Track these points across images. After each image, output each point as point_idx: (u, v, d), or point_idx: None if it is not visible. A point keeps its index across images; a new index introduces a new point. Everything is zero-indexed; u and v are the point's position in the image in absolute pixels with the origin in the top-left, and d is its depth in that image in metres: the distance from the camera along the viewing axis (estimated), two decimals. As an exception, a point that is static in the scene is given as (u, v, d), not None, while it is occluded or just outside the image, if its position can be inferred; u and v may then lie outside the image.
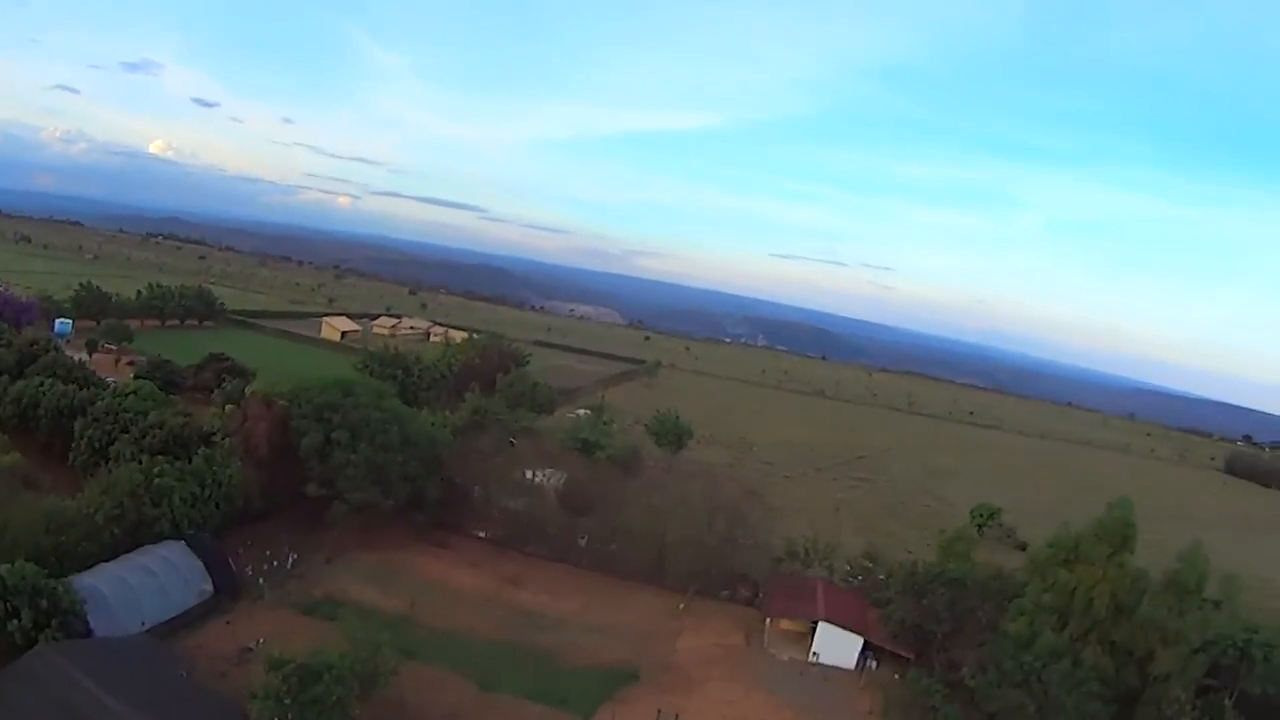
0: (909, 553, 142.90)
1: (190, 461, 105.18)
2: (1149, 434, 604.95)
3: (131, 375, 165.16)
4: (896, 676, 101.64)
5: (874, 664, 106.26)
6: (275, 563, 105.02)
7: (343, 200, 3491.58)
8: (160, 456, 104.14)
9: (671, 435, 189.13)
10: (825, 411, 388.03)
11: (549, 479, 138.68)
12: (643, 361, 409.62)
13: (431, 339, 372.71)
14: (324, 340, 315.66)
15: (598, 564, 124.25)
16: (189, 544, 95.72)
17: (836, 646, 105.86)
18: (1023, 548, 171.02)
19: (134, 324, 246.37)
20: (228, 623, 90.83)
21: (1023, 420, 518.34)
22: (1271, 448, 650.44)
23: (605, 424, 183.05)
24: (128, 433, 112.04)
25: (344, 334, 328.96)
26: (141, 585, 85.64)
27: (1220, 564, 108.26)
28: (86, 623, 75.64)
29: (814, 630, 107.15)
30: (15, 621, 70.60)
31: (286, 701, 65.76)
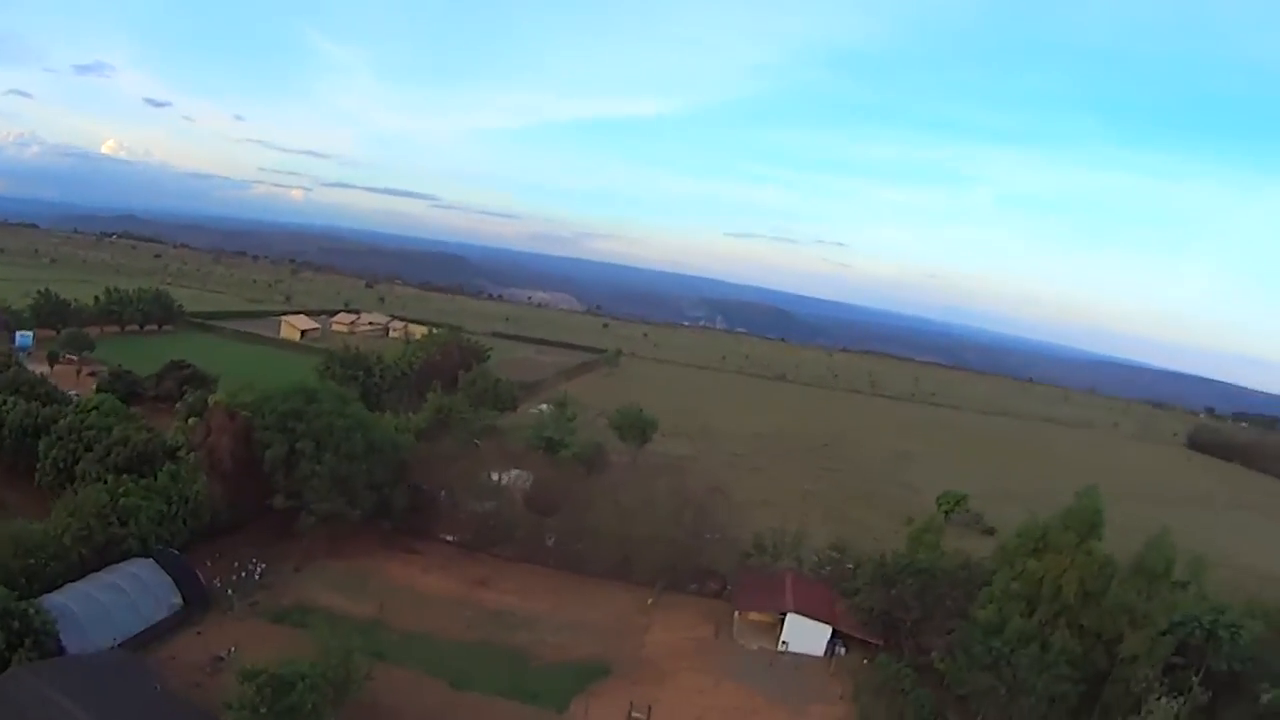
0: (876, 540, 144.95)
1: (156, 478, 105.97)
2: (1110, 409, 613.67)
3: (94, 387, 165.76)
4: (865, 661, 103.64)
5: (842, 650, 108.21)
6: (244, 574, 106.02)
7: (295, 193, 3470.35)
8: (126, 475, 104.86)
9: (636, 429, 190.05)
10: (788, 396, 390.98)
11: (515, 480, 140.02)
12: (603, 351, 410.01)
13: (391, 334, 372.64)
14: (284, 340, 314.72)
15: (566, 563, 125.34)
16: (157, 560, 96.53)
17: (805, 635, 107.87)
18: (990, 532, 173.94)
19: (93, 331, 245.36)
20: (199, 633, 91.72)
21: (985, 399, 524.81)
22: (1234, 419, 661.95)
23: (569, 420, 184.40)
24: (91, 451, 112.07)
25: (303, 333, 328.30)
26: (111, 602, 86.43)
27: (1186, 542, 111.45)
28: (59, 641, 76.27)
29: (783, 620, 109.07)
30: (-12, 645, 70.93)
31: (262, 711, 66.87)
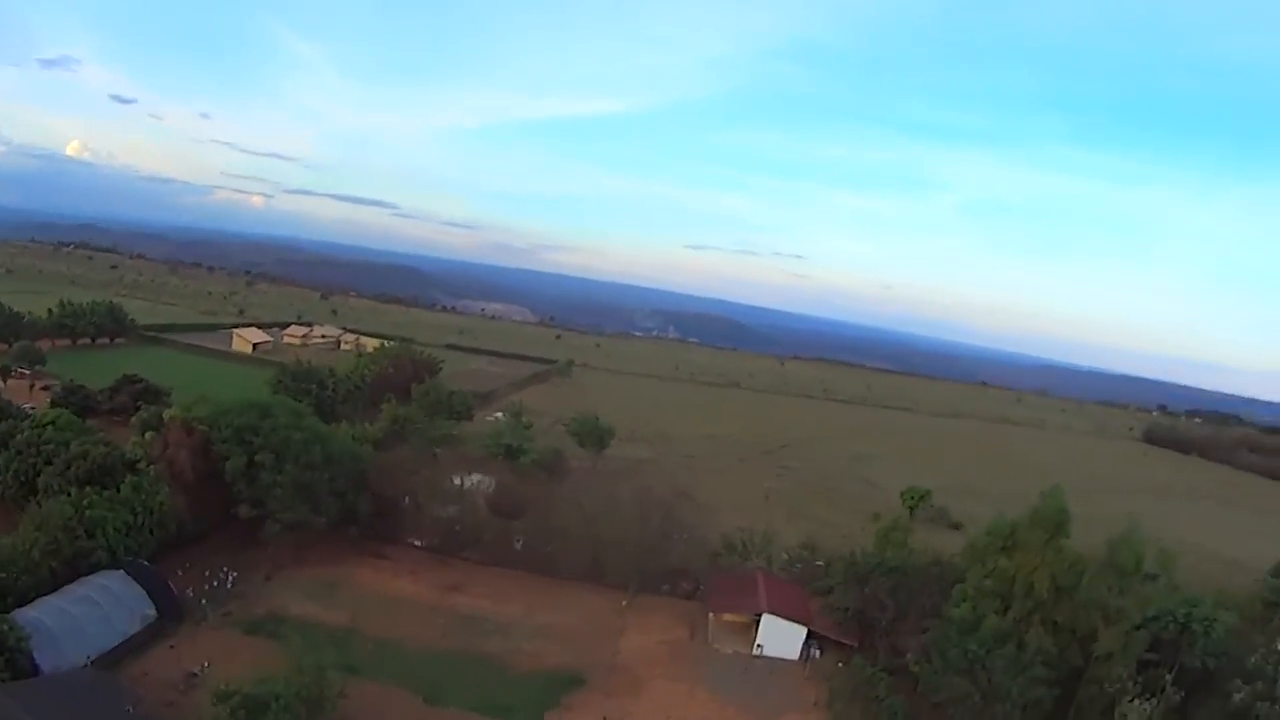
0: (843, 537, 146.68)
1: (119, 491, 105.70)
2: (1064, 409, 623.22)
3: (48, 401, 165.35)
4: (840, 665, 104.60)
5: (817, 653, 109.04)
6: (215, 583, 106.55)
7: (256, 200, 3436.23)
8: (89, 488, 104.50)
9: (594, 436, 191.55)
10: (742, 403, 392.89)
11: (478, 485, 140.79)
12: (554, 361, 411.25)
13: (343, 347, 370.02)
14: (236, 354, 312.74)
15: (536, 566, 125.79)
16: (128, 571, 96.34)
17: (780, 638, 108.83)
18: (957, 527, 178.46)
19: (45, 344, 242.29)
20: (172, 647, 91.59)
21: (937, 401, 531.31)
22: (1187, 415, 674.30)
23: (525, 427, 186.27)
24: (51, 464, 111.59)
25: (255, 346, 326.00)
26: (84, 615, 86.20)
27: (1151, 531, 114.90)
28: (32, 658, 76.16)
29: (758, 622, 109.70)
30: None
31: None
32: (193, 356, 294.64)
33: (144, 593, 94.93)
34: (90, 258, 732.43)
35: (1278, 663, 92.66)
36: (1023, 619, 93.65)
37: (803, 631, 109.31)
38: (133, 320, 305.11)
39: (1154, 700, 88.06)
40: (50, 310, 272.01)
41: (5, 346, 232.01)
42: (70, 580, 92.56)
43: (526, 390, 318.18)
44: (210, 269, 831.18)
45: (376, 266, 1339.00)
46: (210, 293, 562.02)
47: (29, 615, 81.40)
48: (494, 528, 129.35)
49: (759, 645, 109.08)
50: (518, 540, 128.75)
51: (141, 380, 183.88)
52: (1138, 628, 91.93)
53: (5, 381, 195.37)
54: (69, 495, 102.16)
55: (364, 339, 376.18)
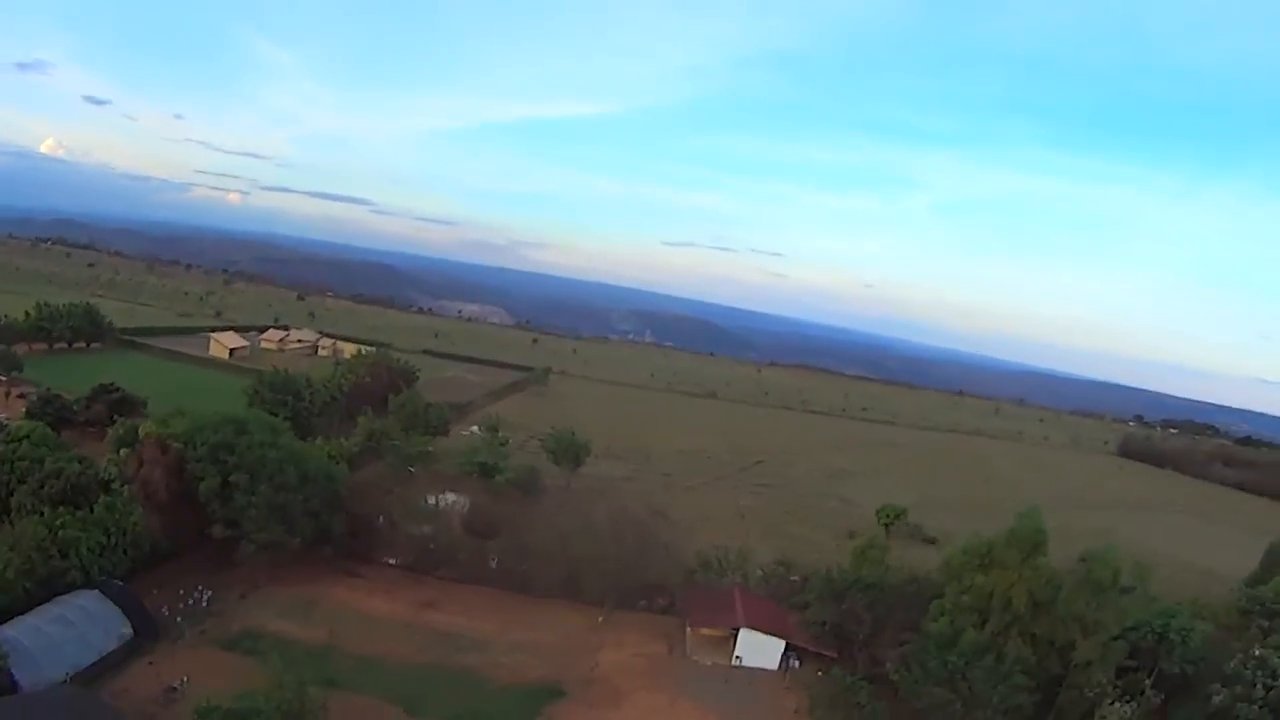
0: (819, 555, 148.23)
1: (92, 510, 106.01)
2: (1041, 419, 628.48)
3: (23, 410, 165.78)
4: (820, 674, 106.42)
5: (797, 663, 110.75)
6: (190, 602, 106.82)
7: (233, 196, 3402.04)
8: (62, 507, 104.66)
9: (569, 453, 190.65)
10: (719, 414, 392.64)
11: (453, 504, 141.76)
12: (532, 369, 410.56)
13: (320, 352, 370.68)
14: (212, 359, 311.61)
15: (511, 583, 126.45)
16: (103, 591, 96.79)
17: (759, 650, 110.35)
18: (932, 541, 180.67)
19: (21, 349, 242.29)
20: (150, 663, 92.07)
21: (916, 413, 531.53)
22: (1163, 426, 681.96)
23: (501, 445, 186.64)
24: (25, 483, 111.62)
25: (232, 351, 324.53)
26: (61, 634, 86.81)
27: (1126, 545, 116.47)
28: (10, 675, 76.91)
29: (735, 635, 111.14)
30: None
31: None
32: (169, 362, 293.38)
33: (119, 612, 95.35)
34: (68, 254, 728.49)
35: (1256, 667, 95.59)
36: (1001, 632, 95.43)
37: (782, 644, 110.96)
38: (110, 323, 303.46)
39: (1133, 703, 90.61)
40: (28, 313, 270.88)
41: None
42: (44, 600, 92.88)
43: (503, 401, 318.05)
44: (188, 266, 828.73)
45: (353, 265, 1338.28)
46: (187, 293, 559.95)
47: (5, 634, 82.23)
48: (469, 546, 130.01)
49: (738, 656, 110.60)
50: (492, 559, 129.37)
51: (118, 390, 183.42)
52: (1116, 638, 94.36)
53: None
54: (42, 515, 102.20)
55: (341, 344, 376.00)
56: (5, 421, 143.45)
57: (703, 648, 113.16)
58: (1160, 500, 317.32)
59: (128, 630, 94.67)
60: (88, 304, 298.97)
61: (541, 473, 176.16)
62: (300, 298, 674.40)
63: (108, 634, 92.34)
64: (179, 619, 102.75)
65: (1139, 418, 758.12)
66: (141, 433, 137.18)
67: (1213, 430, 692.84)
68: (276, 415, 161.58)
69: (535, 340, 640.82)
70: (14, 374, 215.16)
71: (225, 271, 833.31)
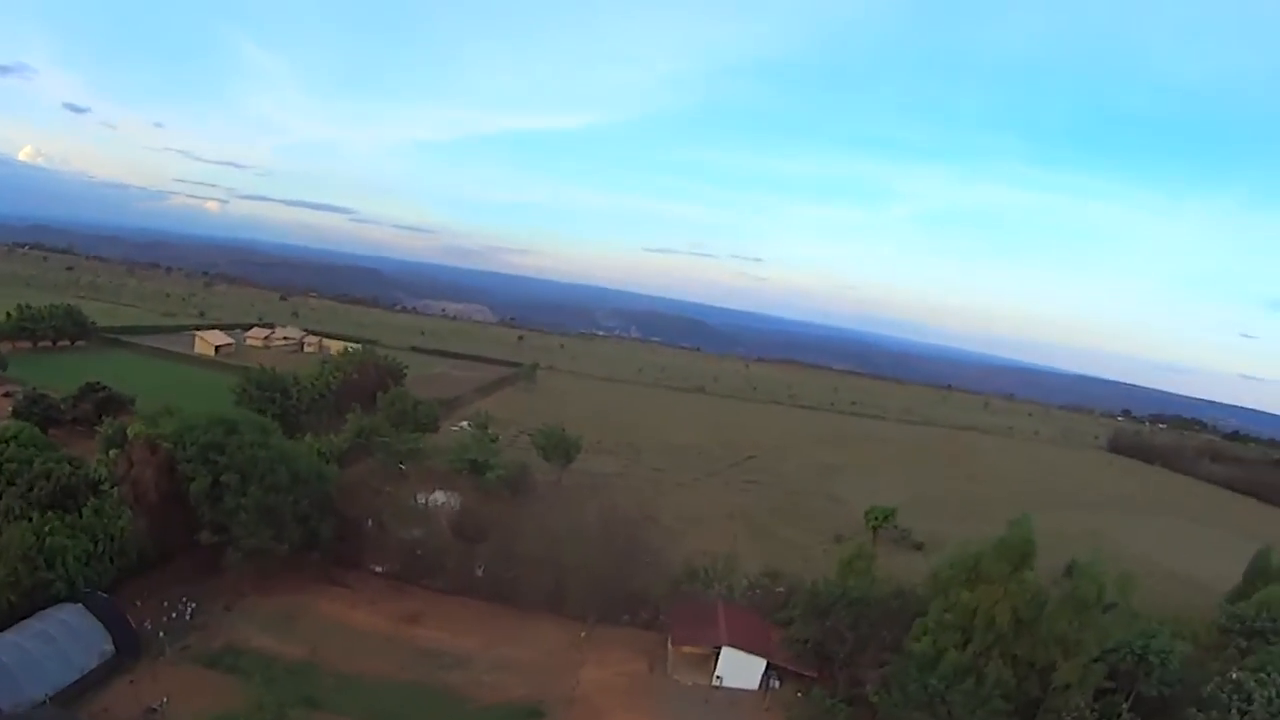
0: (806, 560, 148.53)
1: (81, 515, 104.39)
2: (1030, 414, 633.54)
3: (10, 409, 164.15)
4: (800, 694, 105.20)
5: (777, 684, 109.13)
6: (174, 614, 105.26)
7: (211, 205, 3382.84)
8: (51, 512, 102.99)
9: (559, 448, 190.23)
10: (708, 409, 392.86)
11: (443, 504, 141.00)
12: (519, 364, 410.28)
13: (305, 349, 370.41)
14: (198, 356, 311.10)
15: (497, 594, 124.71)
16: (86, 605, 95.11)
17: (740, 669, 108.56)
18: (919, 547, 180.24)
19: (5, 347, 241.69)
20: (131, 682, 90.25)
21: (905, 407, 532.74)
22: (1151, 421, 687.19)
23: (491, 441, 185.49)
24: (14, 485, 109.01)
25: (218, 348, 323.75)
26: (42, 652, 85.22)
27: (1113, 549, 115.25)
28: None
29: (717, 653, 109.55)
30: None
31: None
32: (155, 360, 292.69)
33: (102, 627, 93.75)
34: (45, 259, 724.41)
35: (1233, 691, 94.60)
36: (983, 653, 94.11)
37: (762, 663, 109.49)
38: (93, 323, 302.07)
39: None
40: (9, 314, 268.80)
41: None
42: (28, 613, 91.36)
43: (492, 396, 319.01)
44: (168, 270, 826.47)
45: (336, 268, 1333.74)
46: (168, 294, 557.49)
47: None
48: (456, 553, 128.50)
49: (718, 677, 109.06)
50: (479, 566, 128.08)
51: (104, 388, 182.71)
52: (1096, 660, 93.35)
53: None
54: (30, 521, 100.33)
55: (327, 341, 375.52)
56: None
57: (684, 666, 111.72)
58: (1149, 499, 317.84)
59: (109, 647, 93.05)
60: (69, 305, 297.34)
61: (532, 469, 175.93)
62: (283, 298, 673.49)
63: (89, 651, 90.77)
64: (161, 634, 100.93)
65: (1127, 412, 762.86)
66: (130, 433, 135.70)
67: (1200, 425, 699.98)
68: (264, 413, 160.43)
69: (521, 337, 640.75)
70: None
71: (206, 274, 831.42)
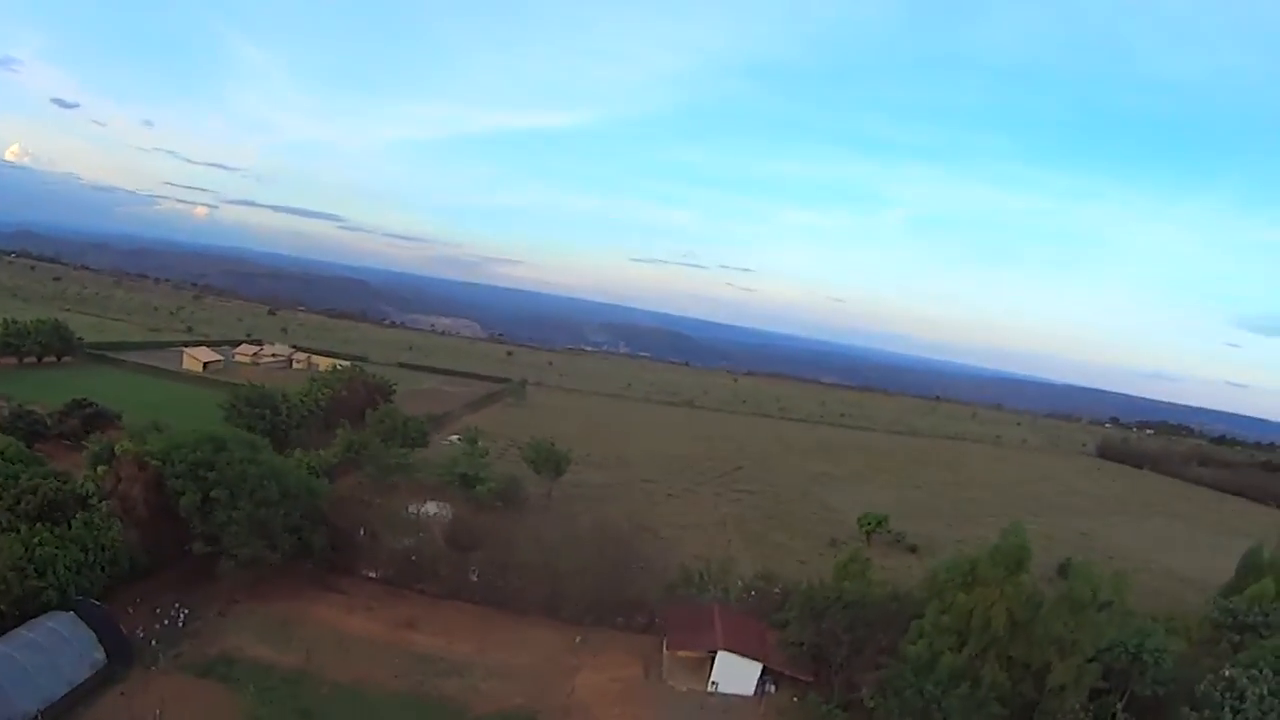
0: (802, 563, 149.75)
1: (70, 527, 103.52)
2: (1018, 423, 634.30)
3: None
4: (795, 699, 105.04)
5: (772, 688, 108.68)
6: (166, 621, 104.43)
7: (200, 210, 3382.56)
8: (40, 524, 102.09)
9: (550, 462, 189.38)
10: (697, 422, 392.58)
11: (434, 515, 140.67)
12: (508, 380, 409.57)
13: (294, 366, 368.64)
14: (186, 373, 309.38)
15: (492, 598, 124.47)
16: (77, 613, 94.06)
17: (735, 674, 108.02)
18: (913, 549, 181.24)
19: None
20: (123, 693, 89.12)
21: (894, 418, 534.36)
22: (1138, 427, 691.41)
23: (481, 455, 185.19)
24: (1, 499, 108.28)
25: (206, 365, 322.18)
26: (33, 663, 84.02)
27: (1106, 550, 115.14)
28: None
29: (713, 658, 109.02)
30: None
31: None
32: (143, 377, 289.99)
33: (93, 636, 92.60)
34: (32, 267, 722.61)
35: (1225, 689, 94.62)
36: (978, 655, 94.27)
37: (758, 668, 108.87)
38: (80, 339, 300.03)
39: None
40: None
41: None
42: (18, 622, 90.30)
43: (481, 412, 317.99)
44: (156, 280, 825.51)
45: (324, 279, 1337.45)
46: (156, 307, 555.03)
47: (-24, 663, 79.18)
48: (450, 559, 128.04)
49: (714, 682, 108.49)
50: (474, 571, 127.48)
51: (92, 404, 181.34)
52: (1091, 660, 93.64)
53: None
54: (19, 533, 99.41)
55: (316, 358, 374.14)
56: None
57: (679, 671, 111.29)
58: (1139, 502, 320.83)
59: (101, 656, 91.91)
60: (56, 320, 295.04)
61: (522, 482, 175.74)
62: (271, 312, 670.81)
63: (80, 661, 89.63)
64: (154, 641, 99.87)
65: (1115, 420, 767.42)
66: (118, 449, 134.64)
67: (1188, 431, 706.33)
68: (254, 429, 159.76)
69: (510, 353, 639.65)
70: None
71: (195, 285, 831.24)
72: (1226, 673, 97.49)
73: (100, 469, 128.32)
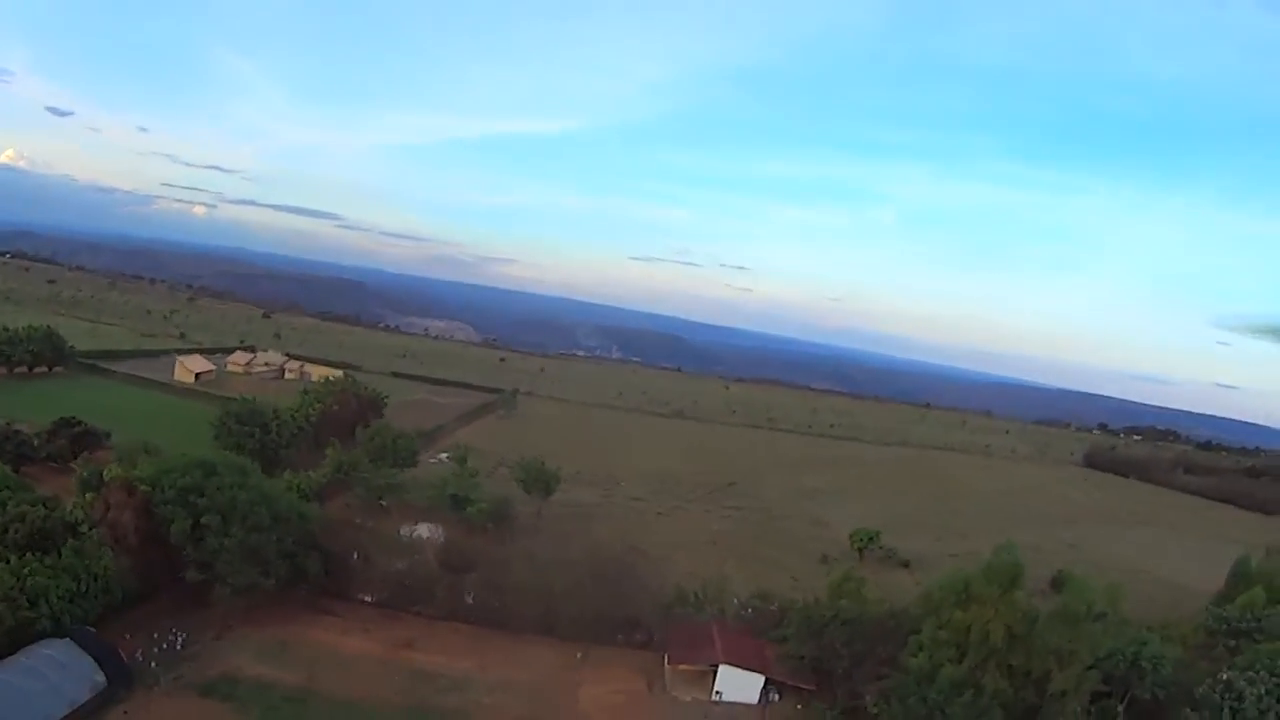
0: (795, 580, 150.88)
1: (60, 556, 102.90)
2: (1008, 431, 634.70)
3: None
4: (799, 707, 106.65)
5: (776, 697, 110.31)
6: (164, 645, 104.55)
7: (198, 210, 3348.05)
8: (29, 554, 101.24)
9: (540, 481, 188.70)
10: (688, 434, 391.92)
11: (427, 537, 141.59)
12: (500, 390, 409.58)
13: (286, 375, 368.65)
14: (178, 385, 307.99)
15: (488, 619, 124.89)
16: (73, 639, 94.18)
17: (738, 685, 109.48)
18: (906, 565, 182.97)
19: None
20: (125, 713, 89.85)
21: (884, 428, 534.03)
22: (1126, 433, 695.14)
23: (471, 476, 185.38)
24: None
25: (198, 375, 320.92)
26: (31, 688, 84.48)
27: (1098, 561, 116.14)
28: None
29: (715, 670, 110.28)
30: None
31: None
32: (134, 388, 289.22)
33: (91, 660, 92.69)
34: (27, 269, 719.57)
35: (1224, 691, 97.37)
36: (978, 666, 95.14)
37: (761, 679, 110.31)
38: (72, 348, 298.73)
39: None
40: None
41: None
42: (12, 651, 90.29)
43: (472, 425, 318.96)
44: (152, 281, 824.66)
45: (320, 280, 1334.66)
46: (150, 311, 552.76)
47: (-27, 691, 79.13)
48: (444, 582, 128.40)
49: (717, 692, 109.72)
50: (469, 594, 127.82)
51: (80, 423, 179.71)
52: (1090, 667, 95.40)
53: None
54: (9, 563, 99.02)
55: (309, 367, 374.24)
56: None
57: (682, 683, 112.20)
58: (1126, 511, 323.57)
59: (100, 678, 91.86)
60: (48, 327, 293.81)
61: (513, 502, 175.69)
62: (266, 315, 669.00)
63: (80, 683, 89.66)
64: (153, 664, 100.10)
65: (1103, 425, 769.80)
66: (107, 475, 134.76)
67: (1175, 436, 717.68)
68: (243, 449, 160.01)
69: (502, 359, 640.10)
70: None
71: (190, 287, 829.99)
72: (1225, 675, 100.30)
73: (89, 495, 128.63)
